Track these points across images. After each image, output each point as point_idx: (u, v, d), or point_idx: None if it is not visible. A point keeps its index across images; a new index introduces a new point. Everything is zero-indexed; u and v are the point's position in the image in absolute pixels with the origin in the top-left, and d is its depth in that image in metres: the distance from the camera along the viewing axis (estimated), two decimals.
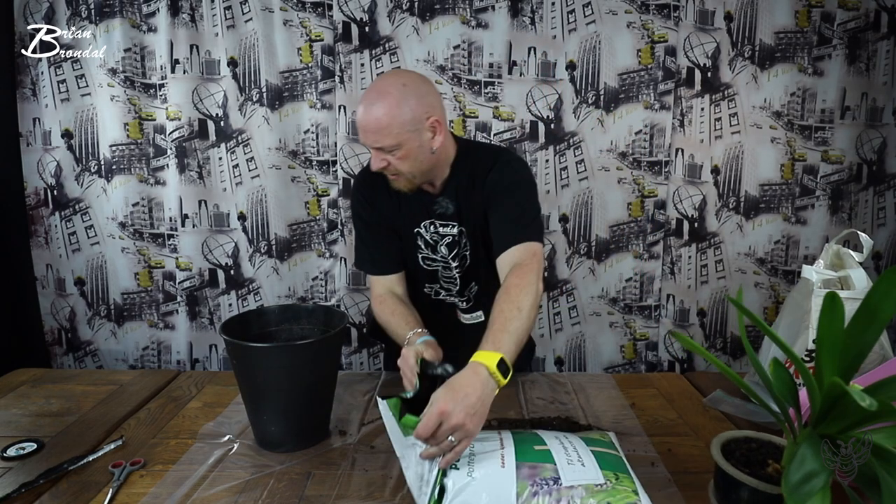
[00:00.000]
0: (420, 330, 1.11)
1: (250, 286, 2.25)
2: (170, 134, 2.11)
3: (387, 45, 2.09)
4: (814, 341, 0.66)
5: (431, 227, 1.21)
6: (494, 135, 2.12)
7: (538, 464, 0.80)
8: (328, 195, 2.19)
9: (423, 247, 1.22)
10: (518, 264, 1.03)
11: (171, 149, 2.12)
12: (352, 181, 1.32)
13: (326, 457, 1.01)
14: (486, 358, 0.86)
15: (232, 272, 2.23)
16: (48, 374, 1.38)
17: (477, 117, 2.12)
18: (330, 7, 2.07)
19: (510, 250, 1.06)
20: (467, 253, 1.20)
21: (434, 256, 1.23)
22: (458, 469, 0.80)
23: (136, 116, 2.12)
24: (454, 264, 1.21)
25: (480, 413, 0.83)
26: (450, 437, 0.81)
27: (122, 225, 2.19)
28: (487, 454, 0.83)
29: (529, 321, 0.95)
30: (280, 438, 1.02)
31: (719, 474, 0.79)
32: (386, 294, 1.23)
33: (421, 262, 1.24)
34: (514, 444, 0.84)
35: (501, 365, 0.86)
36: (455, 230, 1.18)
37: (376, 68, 2.10)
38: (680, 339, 0.72)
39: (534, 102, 2.12)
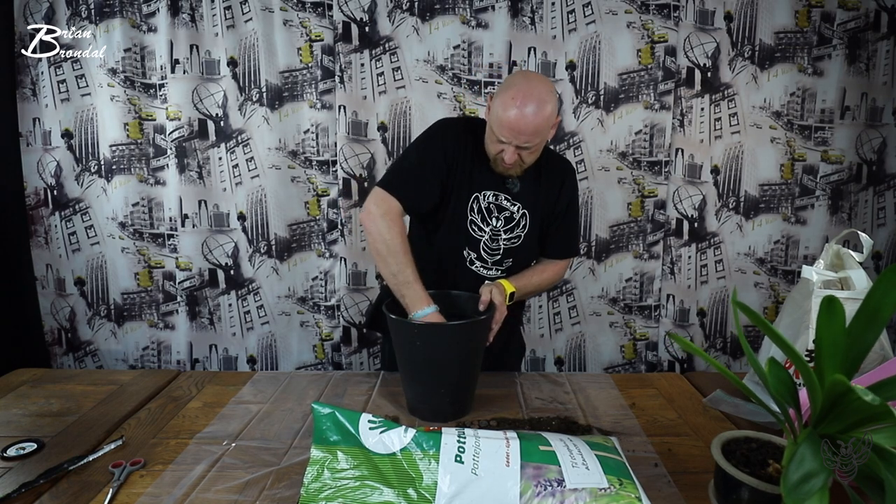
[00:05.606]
0: (430, 300, 1.19)
1: (250, 286, 2.25)
2: (170, 134, 2.11)
3: (387, 45, 2.09)
4: (814, 341, 0.66)
5: (493, 198, 1.32)
6: None
7: (543, 465, 0.80)
8: (328, 195, 2.19)
9: (475, 211, 1.32)
10: (554, 265, 1.43)
11: (171, 149, 2.12)
12: (440, 124, 1.37)
13: None
14: (507, 285, 1.28)
15: (232, 272, 2.23)
16: (48, 374, 1.38)
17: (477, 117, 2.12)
18: (330, 7, 2.07)
19: (556, 260, 1.44)
20: (523, 233, 1.35)
21: (482, 226, 1.32)
22: (462, 463, 0.80)
23: (136, 116, 2.12)
24: (505, 236, 1.34)
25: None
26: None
27: (122, 225, 2.19)
28: (492, 452, 0.82)
29: (536, 291, 1.45)
30: (442, 408, 1.10)
31: (719, 474, 0.79)
32: (398, 216, 1.26)
33: (468, 226, 1.32)
34: (519, 443, 0.84)
35: (511, 295, 1.28)
36: (516, 209, 1.33)
37: (376, 68, 2.10)
38: (678, 340, 0.71)
39: None
